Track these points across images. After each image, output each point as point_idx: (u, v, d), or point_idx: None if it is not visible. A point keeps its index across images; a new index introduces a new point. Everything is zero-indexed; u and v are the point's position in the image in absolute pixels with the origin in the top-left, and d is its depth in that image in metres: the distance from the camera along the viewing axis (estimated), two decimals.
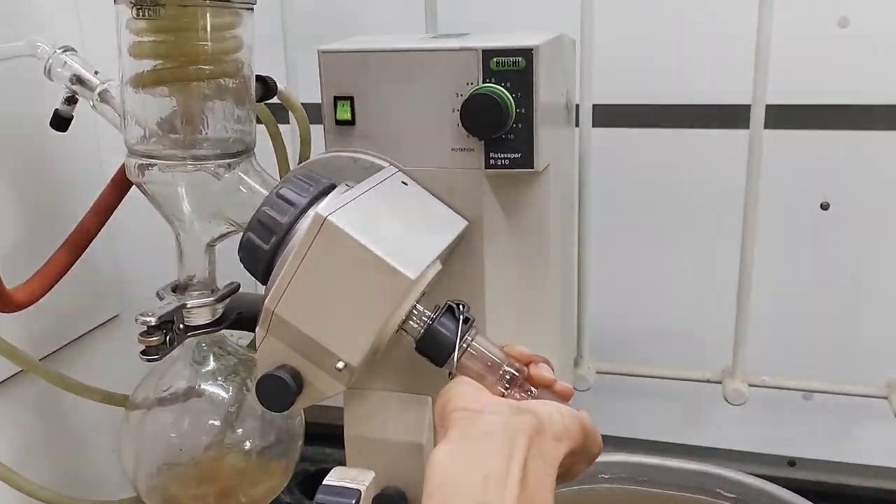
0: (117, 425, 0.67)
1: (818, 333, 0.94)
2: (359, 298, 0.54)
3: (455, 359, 0.56)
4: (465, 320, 0.58)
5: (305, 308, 0.55)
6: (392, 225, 0.57)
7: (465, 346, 0.57)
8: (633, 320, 0.99)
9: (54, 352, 0.77)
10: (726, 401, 0.89)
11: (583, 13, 0.83)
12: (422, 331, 0.58)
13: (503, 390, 0.58)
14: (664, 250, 0.96)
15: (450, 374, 0.57)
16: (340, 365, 0.55)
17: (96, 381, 0.80)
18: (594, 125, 0.88)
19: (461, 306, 0.59)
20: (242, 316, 0.68)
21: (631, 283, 0.98)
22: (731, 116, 0.89)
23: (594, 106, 0.87)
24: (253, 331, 0.78)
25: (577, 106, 0.85)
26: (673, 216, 0.95)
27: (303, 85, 0.91)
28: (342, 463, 0.70)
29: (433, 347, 0.57)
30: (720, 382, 0.90)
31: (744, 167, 0.84)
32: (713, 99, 0.91)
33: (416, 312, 0.58)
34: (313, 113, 0.89)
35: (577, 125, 0.84)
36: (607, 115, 0.91)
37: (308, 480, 1.07)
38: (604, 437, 1.00)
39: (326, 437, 0.90)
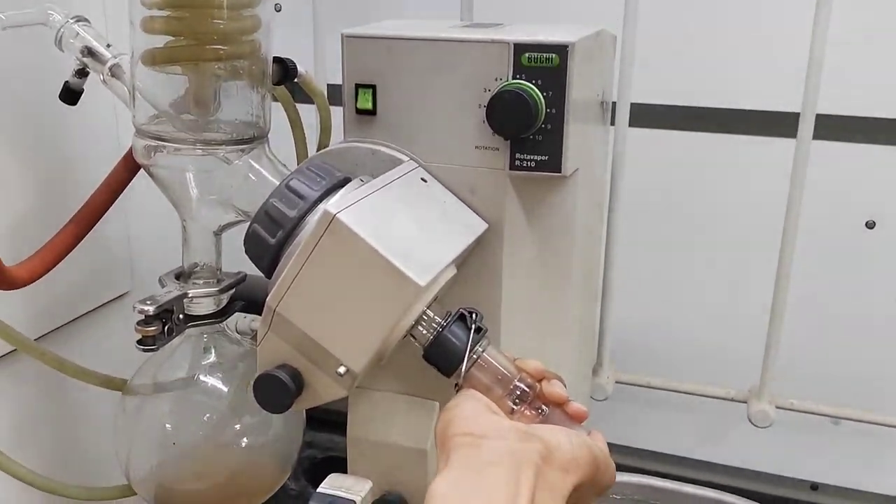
0: (116, 404, 0.66)
1: (852, 357, 0.90)
2: (365, 302, 0.51)
3: (463, 370, 0.54)
4: (478, 330, 0.55)
5: (308, 308, 0.52)
6: (406, 225, 0.54)
7: (475, 357, 0.54)
8: (657, 330, 0.95)
9: (62, 326, 0.75)
10: (751, 422, 0.85)
11: (626, 6, 0.78)
12: (430, 338, 0.55)
13: (512, 406, 0.55)
14: (695, 259, 0.92)
15: (456, 385, 0.55)
16: (342, 370, 0.53)
17: (104, 358, 0.78)
18: (630, 125, 0.83)
19: (474, 315, 0.56)
20: (254, 300, 0.66)
21: (658, 292, 0.94)
22: (778, 124, 0.84)
23: (632, 104, 0.83)
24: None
25: (614, 104, 0.81)
26: (707, 225, 0.91)
27: (331, 65, 0.88)
28: None
29: (441, 356, 0.55)
30: (745, 402, 0.86)
31: (787, 178, 0.79)
32: (760, 104, 0.86)
33: (425, 318, 0.55)
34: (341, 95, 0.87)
35: (612, 124, 0.80)
36: (645, 115, 0.87)
37: (315, 468, 1.06)
38: (619, 446, 0.98)
39: (334, 424, 0.88)
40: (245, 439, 0.63)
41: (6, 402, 0.68)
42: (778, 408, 0.85)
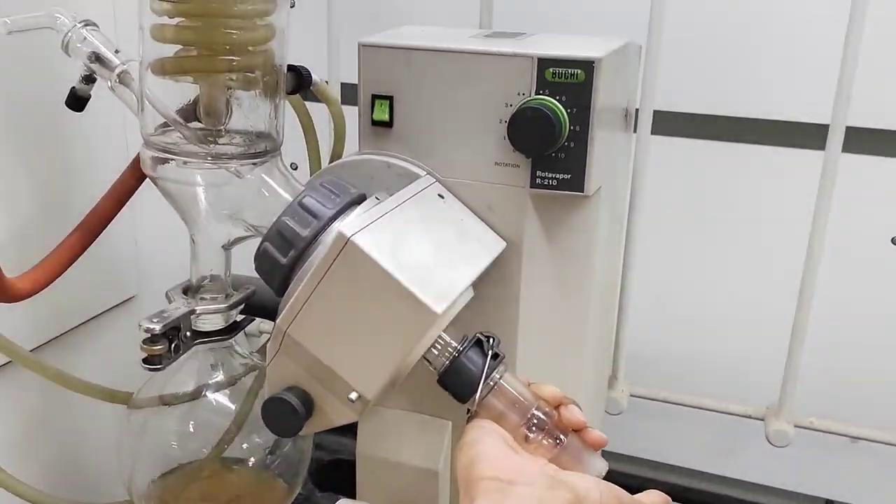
0: (120, 418, 0.64)
1: (872, 375, 0.87)
2: (379, 328, 0.49)
3: (478, 397, 0.52)
4: (494, 356, 0.53)
5: (320, 332, 0.50)
6: (422, 247, 0.52)
7: (491, 384, 0.53)
8: (674, 342, 0.93)
9: (67, 332, 0.73)
10: (768, 441, 0.83)
11: (652, 14, 0.75)
12: (446, 363, 0.53)
13: (528, 434, 0.53)
14: (715, 271, 0.90)
15: (468, 411, 0.53)
16: (353, 396, 0.51)
17: (109, 364, 0.77)
18: (652, 132, 0.81)
19: (491, 340, 0.54)
20: (264, 304, 0.64)
21: (675, 303, 0.92)
22: (805, 135, 0.82)
23: (655, 112, 0.80)
24: (273, 319, 0.75)
25: (637, 111, 0.78)
26: (728, 236, 0.88)
27: (345, 63, 0.86)
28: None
29: (457, 383, 0.53)
30: (762, 420, 0.84)
31: (812, 191, 0.77)
32: (787, 115, 0.83)
33: (440, 342, 0.53)
34: (355, 95, 0.84)
35: (634, 131, 0.78)
36: (667, 123, 0.84)
37: (322, 471, 1.04)
38: (632, 458, 0.96)
39: (343, 426, 0.86)
40: (252, 458, 0.61)
41: (5, 413, 0.66)
42: (796, 426, 0.83)
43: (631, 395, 0.88)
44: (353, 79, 0.87)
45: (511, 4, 0.82)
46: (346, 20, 0.86)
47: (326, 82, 0.63)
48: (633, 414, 0.88)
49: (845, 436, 0.85)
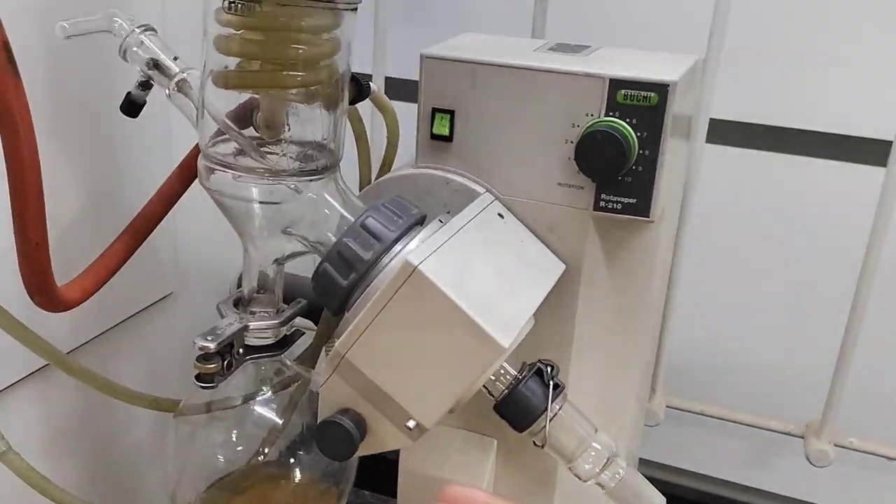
0: (165, 426, 0.63)
1: None
2: (442, 358, 0.48)
3: (547, 430, 0.51)
4: (555, 386, 0.52)
5: (380, 358, 0.49)
6: (486, 275, 0.51)
7: (551, 415, 0.52)
8: (713, 353, 0.92)
9: (106, 331, 0.72)
10: (808, 461, 0.82)
11: (714, 23, 0.73)
12: (504, 391, 0.52)
13: (588, 466, 0.53)
14: (761, 284, 0.88)
15: (534, 444, 0.52)
16: (412, 424, 0.50)
17: (146, 364, 0.76)
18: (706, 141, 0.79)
19: (551, 369, 0.53)
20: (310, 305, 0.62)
21: (717, 314, 0.90)
22: (866, 151, 0.79)
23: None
24: (316, 322, 0.74)
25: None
26: (777, 249, 0.87)
27: (390, 58, 0.84)
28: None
29: (515, 412, 0.53)
30: (802, 437, 0.83)
31: (869, 208, 0.75)
32: (848, 129, 0.81)
33: (499, 371, 0.52)
34: (400, 90, 0.82)
35: None
36: (720, 132, 0.82)
37: None
38: (665, 466, 0.96)
39: None
40: (299, 470, 0.61)
41: (42, 415, 0.66)
42: (836, 446, 0.82)
43: (668, 407, 0.87)
44: (397, 74, 0.85)
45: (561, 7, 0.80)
46: (392, 13, 0.84)
47: (371, 80, 0.61)
48: (668, 418, 0.87)
49: (883, 456, 0.83)
